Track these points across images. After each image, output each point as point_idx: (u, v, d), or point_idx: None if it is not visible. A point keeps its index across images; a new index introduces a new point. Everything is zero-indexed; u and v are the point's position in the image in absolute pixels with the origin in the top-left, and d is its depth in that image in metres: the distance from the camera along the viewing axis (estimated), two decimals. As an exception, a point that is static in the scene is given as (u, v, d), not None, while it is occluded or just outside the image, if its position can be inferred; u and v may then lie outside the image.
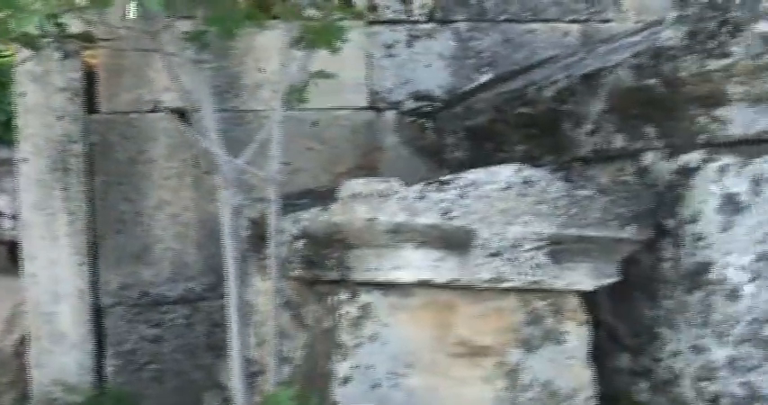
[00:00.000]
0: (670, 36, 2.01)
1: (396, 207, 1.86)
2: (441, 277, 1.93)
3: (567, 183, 2.04)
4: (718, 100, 1.97)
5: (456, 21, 3.26)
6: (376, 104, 3.18)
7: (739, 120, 1.99)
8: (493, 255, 1.94)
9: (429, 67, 3.21)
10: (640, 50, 2.12)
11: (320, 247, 2.05)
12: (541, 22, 3.30)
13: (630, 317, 2.19)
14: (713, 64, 1.93)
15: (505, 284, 1.96)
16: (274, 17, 2.21)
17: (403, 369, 1.97)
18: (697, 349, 2.02)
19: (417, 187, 1.89)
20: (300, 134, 3.10)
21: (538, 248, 1.97)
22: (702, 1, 1.96)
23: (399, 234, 1.89)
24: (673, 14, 2.01)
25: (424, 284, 1.95)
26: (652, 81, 2.04)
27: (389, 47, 3.20)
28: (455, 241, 1.92)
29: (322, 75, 2.34)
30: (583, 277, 2.04)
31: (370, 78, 3.17)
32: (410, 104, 3.15)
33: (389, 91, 3.18)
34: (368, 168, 3.17)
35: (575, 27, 3.32)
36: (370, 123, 3.17)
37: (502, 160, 2.53)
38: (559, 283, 2.02)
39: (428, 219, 1.89)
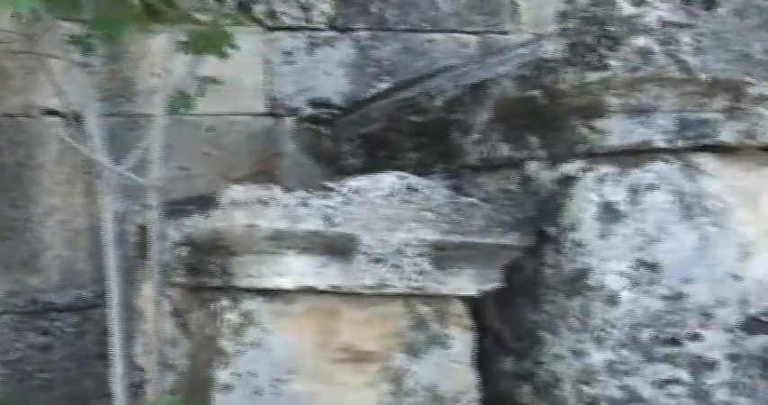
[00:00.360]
0: (551, 49, 2.06)
1: (277, 213, 1.86)
2: (324, 283, 1.94)
3: (451, 190, 2.07)
4: (597, 111, 2.03)
5: (356, 29, 3.27)
6: (275, 111, 3.17)
7: (618, 131, 2.05)
8: (376, 261, 1.96)
9: (329, 74, 3.22)
10: (524, 62, 2.17)
11: (203, 254, 2.04)
12: (441, 33, 3.34)
13: (515, 321, 2.23)
14: (592, 76, 1.99)
15: (389, 290, 1.98)
16: (164, 21, 2.18)
17: (286, 376, 1.96)
18: (577, 353, 2.07)
19: (300, 194, 1.89)
20: (196, 139, 3.06)
21: (421, 255, 2.00)
22: (582, 15, 2.02)
23: (281, 240, 1.89)
24: (554, 27, 2.07)
25: (308, 291, 1.95)
26: (534, 92, 2.09)
27: (289, 53, 3.20)
28: (338, 248, 1.93)
29: (211, 80, 2.33)
30: (467, 283, 2.07)
31: (269, 84, 3.16)
32: (308, 111, 3.15)
33: (288, 97, 3.17)
34: (266, 175, 3.16)
35: (473, 38, 3.37)
36: (268, 130, 3.16)
37: (396, 168, 2.55)
38: (444, 289, 2.05)
39: (311, 225, 1.89)
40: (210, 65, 2.49)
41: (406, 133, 2.58)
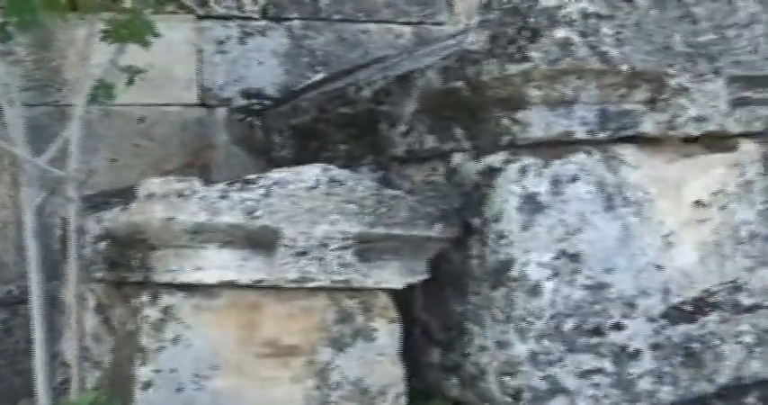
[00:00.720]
0: (474, 40, 2.06)
1: (196, 206, 1.84)
2: (246, 278, 1.92)
3: (376, 182, 2.06)
4: (519, 103, 2.03)
5: (290, 18, 3.25)
6: (207, 101, 3.13)
7: (539, 122, 2.05)
8: (299, 254, 1.94)
9: (262, 64, 3.19)
10: (449, 54, 2.16)
11: (123, 248, 2.01)
12: (375, 23, 3.33)
13: (442, 313, 2.23)
14: (513, 68, 1.99)
15: (312, 284, 1.97)
16: (84, 9, 2.14)
17: (208, 371, 1.95)
18: (501, 344, 2.08)
19: (220, 186, 1.87)
20: (127, 130, 3.02)
21: (345, 247, 1.99)
22: (504, 6, 2.02)
23: (201, 234, 1.86)
24: (477, 19, 2.07)
25: (229, 285, 1.93)
26: (458, 84, 2.09)
27: (221, 43, 3.16)
28: (260, 241, 1.91)
29: (134, 70, 2.29)
30: (392, 275, 2.07)
31: (201, 74, 3.13)
32: (240, 102, 3.12)
33: (221, 88, 3.14)
34: (199, 166, 3.13)
35: (408, 29, 3.37)
36: (200, 120, 3.13)
37: (326, 159, 2.54)
38: (369, 282, 2.05)
39: (231, 218, 1.87)
40: (141, 54, 2.45)
41: (335, 125, 2.57)
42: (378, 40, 3.31)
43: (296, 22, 3.25)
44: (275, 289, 1.96)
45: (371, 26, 3.32)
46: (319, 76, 3.15)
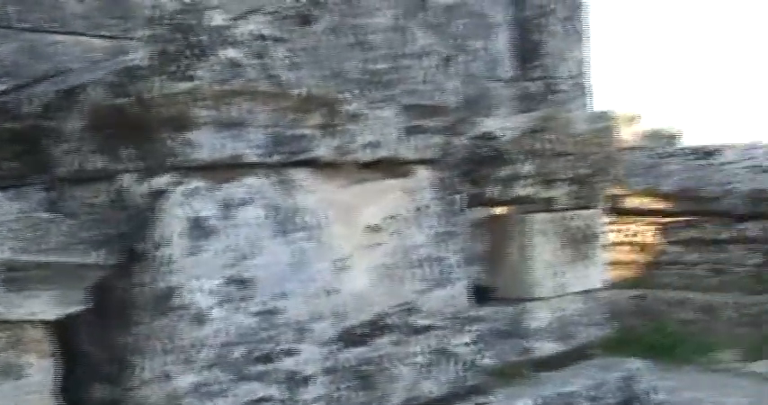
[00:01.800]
0: (142, 56, 1.96)
1: None
2: None
3: (25, 204, 1.90)
4: (186, 123, 1.96)
5: (-30, 25, 2.98)
6: None
7: (208, 144, 1.99)
8: (-74, 284, 1.74)
9: (-69, 73, 2.90)
10: (117, 68, 2.05)
11: None
12: (68, 35, 3.13)
13: (107, 345, 2.09)
14: (179, 86, 1.91)
15: (-59, 317, 1.76)
16: None
17: None
18: (164, 377, 1.97)
19: None
20: None
21: (-14, 276, 1.80)
22: (169, 22, 1.94)
23: None
24: (144, 33, 1.97)
25: None
26: (125, 100, 1.98)
27: None
28: None
29: None
30: (45, 306, 1.91)
31: None
32: None
33: None
34: None
35: (104, 42, 3.19)
36: None
37: (-8, 178, 2.33)
38: (17, 313, 1.87)
39: None
40: None
41: (3, 140, 2.36)
42: (70, 52, 3.11)
43: (-23, 29, 2.98)
44: None
45: (63, 37, 3.12)
46: (1, 88, 2.90)
